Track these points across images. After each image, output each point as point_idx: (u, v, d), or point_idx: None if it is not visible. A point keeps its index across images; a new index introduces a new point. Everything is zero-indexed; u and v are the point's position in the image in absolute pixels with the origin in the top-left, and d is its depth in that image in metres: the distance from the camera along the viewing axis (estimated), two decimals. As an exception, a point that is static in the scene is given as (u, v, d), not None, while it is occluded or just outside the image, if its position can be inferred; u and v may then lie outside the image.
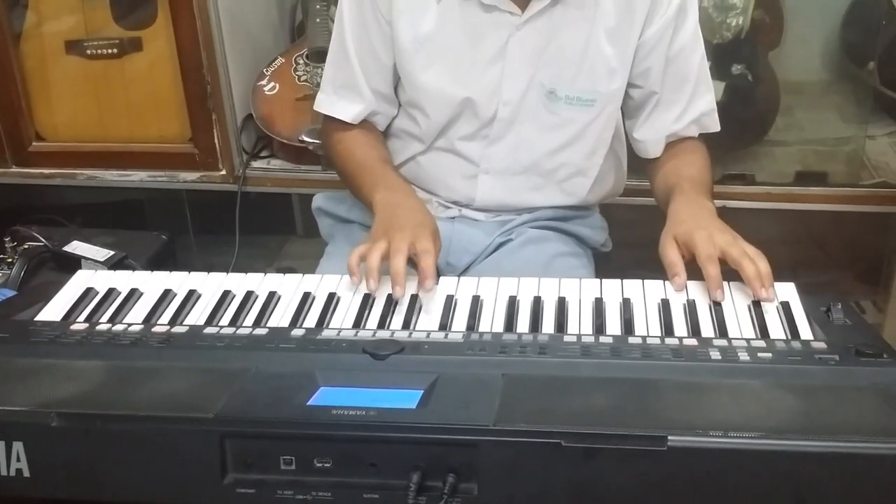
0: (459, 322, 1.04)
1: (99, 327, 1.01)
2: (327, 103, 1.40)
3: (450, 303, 1.07)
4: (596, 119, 1.34)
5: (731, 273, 1.08)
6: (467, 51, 1.29)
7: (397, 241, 1.10)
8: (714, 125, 1.38)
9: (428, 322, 1.04)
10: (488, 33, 1.28)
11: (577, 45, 1.28)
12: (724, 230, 1.13)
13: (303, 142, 1.93)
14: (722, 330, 1.00)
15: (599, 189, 1.45)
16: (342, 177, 1.40)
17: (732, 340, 0.95)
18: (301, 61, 2.04)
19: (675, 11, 1.27)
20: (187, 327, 1.01)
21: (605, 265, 1.50)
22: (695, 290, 1.08)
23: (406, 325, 1.03)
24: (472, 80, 1.31)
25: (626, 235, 1.60)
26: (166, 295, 1.11)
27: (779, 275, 1.07)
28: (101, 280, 1.15)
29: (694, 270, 1.10)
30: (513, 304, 1.07)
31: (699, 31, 1.32)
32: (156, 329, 1.00)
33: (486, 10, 1.27)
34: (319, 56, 1.99)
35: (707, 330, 1.01)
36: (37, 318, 1.06)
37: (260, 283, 1.13)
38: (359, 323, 1.04)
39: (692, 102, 1.35)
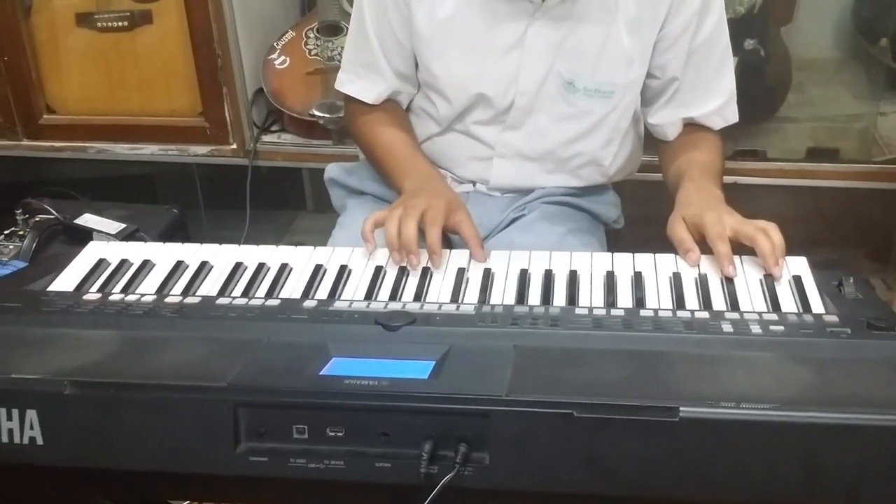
0: (471, 295, 1.04)
1: (111, 297, 1.01)
2: (348, 83, 1.40)
3: (461, 276, 1.07)
4: (613, 110, 1.33)
5: (740, 248, 1.07)
6: (484, 38, 1.28)
7: (409, 210, 1.11)
8: (733, 116, 1.36)
9: (439, 294, 1.04)
10: (507, 21, 1.27)
11: (598, 36, 1.26)
12: (733, 213, 1.12)
13: (313, 116, 1.93)
14: (734, 303, 1.00)
15: (615, 174, 1.45)
16: (369, 159, 1.40)
17: (744, 313, 0.94)
18: (312, 35, 2.03)
19: (699, 3, 1.25)
20: (200, 298, 1.01)
21: (618, 242, 1.50)
22: (706, 264, 1.08)
23: (417, 297, 1.04)
24: (487, 70, 1.29)
25: (639, 211, 1.59)
26: (178, 266, 1.11)
27: (789, 251, 1.07)
28: (113, 251, 1.15)
29: (703, 250, 1.09)
30: (524, 277, 1.06)
31: (724, 21, 1.29)
32: (168, 299, 1.00)
33: None
34: (330, 30, 1.99)
35: (719, 303, 1.00)
36: (49, 289, 1.06)
37: (272, 254, 1.13)
38: (370, 295, 1.05)
39: (712, 93, 1.33)
